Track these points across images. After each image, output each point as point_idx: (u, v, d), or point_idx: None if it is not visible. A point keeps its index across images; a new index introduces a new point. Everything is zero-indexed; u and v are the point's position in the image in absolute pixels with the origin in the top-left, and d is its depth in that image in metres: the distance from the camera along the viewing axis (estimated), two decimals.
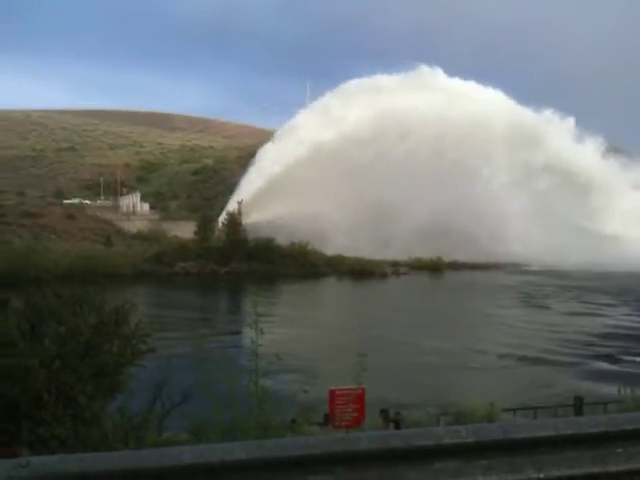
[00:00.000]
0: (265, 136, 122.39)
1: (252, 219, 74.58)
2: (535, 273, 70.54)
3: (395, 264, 71.35)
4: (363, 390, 8.99)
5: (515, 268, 74.48)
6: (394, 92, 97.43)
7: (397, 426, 11.27)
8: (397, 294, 55.34)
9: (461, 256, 74.60)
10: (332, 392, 9.20)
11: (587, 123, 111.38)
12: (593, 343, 31.98)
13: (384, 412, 11.96)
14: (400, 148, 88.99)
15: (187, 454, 3.56)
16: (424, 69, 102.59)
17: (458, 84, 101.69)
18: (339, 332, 33.45)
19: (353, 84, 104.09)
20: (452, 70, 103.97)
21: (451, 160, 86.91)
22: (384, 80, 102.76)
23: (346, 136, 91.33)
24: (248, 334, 6.81)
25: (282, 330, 29.54)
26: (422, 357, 27.57)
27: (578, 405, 14.76)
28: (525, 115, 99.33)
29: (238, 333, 30.45)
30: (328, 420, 9.18)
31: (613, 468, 3.96)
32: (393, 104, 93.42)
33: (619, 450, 3.99)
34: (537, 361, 27.89)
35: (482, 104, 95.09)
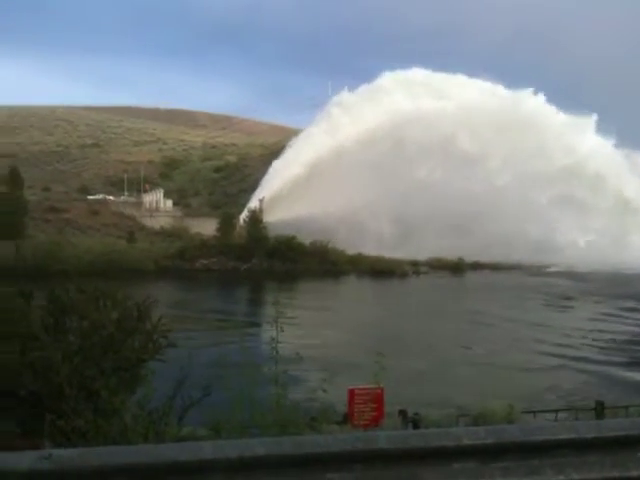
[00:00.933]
0: (287, 134, 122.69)
1: (274, 217, 74.82)
2: (558, 275, 69.84)
3: (415, 263, 71.13)
4: (382, 389, 8.99)
5: (538, 270, 73.80)
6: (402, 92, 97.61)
7: (415, 426, 11.24)
8: (421, 294, 54.97)
9: (483, 257, 74.18)
10: (351, 391, 9.20)
11: (608, 121, 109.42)
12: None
13: (403, 412, 11.92)
14: (418, 148, 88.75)
15: (206, 449, 3.58)
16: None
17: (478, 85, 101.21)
18: (366, 332, 33.31)
19: (372, 85, 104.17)
20: (473, 69, 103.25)
21: (471, 159, 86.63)
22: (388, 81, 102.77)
23: (365, 135, 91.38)
24: (268, 332, 6.84)
25: (302, 330, 29.59)
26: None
27: (599, 409, 14.59)
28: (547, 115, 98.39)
29: (258, 330, 30.54)
30: (347, 419, 9.18)
31: (634, 473, 3.91)
32: (405, 104, 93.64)
33: None
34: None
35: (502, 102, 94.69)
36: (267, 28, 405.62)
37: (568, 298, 50.86)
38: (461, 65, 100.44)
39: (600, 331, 35.12)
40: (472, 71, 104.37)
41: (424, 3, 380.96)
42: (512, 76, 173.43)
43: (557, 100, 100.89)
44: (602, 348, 30.51)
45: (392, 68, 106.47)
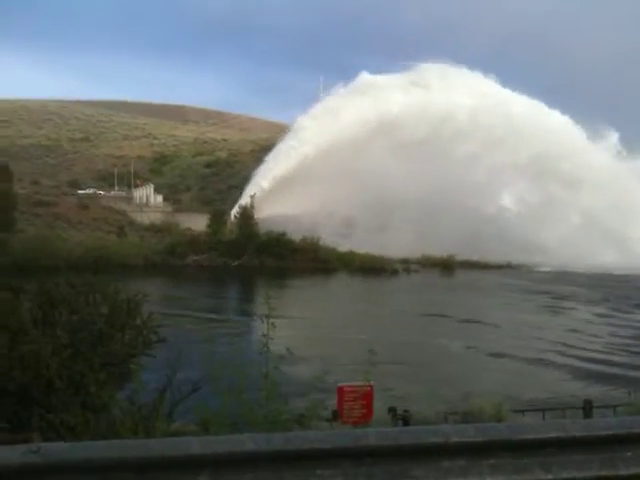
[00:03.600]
0: (279, 129, 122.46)
1: (264, 213, 74.74)
2: (548, 275, 70.18)
3: (405, 261, 71.24)
4: (372, 387, 9.02)
5: (528, 269, 74.08)
6: (397, 89, 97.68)
7: (405, 423, 11.27)
8: (411, 291, 55.06)
9: (473, 255, 74.37)
10: (340, 389, 9.23)
11: (606, 120, 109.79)
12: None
13: (392, 410, 11.96)
14: (409, 144, 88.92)
15: (195, 445, 3.57)
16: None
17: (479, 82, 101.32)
18: (351, 329, 33.36)
19: (361, 80, 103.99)
20: (469, 65, 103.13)
21: (463, 156, 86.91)
22: (384, 78, 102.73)
23: (357, 131, 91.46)
24: (259, 328, 6.84)
25: (292, 326, 29.57)
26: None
27: (587, 407, 14.70)
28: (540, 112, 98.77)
29: (248, 326, 30.54)
30: (336, 416, 9.20)
31: (623, 472, 3.94)
32: (398, 100, 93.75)
33: (628, 454, 3.97)
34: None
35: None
36: (259, 24, 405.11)
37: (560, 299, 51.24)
38: (456, 63, 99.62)
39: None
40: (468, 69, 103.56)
41: (420, 0, 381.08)
42: (506, 75, 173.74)
43: (551, 99, 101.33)
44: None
45: (386, 65, 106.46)
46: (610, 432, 3.97)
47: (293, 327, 27.68)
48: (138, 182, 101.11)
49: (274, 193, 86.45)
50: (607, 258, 74.51)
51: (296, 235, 68.54)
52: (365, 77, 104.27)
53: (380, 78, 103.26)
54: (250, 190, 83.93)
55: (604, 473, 3.92)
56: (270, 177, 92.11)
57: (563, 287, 58.35)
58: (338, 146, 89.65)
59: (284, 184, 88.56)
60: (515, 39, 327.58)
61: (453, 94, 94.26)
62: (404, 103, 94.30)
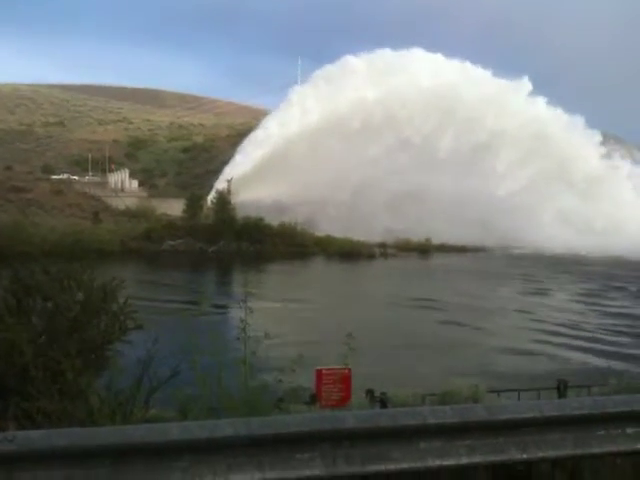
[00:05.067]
0: (256, 114, 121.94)
1: (241, 198, 74.46)
2: (524, 257, 70.94)
3: (383, 245, 71.53)
4: (349, 370, 9.07)
5: (503, 251, 74.80)
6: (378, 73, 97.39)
7: (383, 405, 11.36)
8: (389, 275, 55.38)
9: (450, 238, 74.91)
10: (319, 372, 9.27)
11: (589, 109, 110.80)
12: None
13: (370, 392, 12.04)
14: (390, 129, 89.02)
15: (174, 430, 3.56)
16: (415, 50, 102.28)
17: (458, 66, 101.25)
18: (330, 312, 33.53)
19: (340, 64, 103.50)
20: (452, 52, 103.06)
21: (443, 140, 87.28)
22: (364, 61, 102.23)
23: (336, 116, 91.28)
24: (236, 313, 6.83)
25: (270, 309, 29.60)
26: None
27: (562, 388, 14.94)
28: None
29: (226, 312, 30.45)
30: (315, 399, 9.25)
31: (596, 450, 4.01)
32: (378, 85, 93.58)
33: (601, 432, 4.04)
34: None
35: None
36: (237, 8, 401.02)
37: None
38: (442, 49, 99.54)
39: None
40: (453, 55, 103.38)
41: None
42: (494, 62, 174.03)
43: (538, 87, 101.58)
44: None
45: (369, 51, 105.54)
46: (584, 412, 4.03)
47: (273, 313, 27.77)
48: (112, 167, 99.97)
49: (251, 178, 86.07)
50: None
51: (270, 219, 68.51)
52: (328, 68, 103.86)
53: (351, 63, 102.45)
54: (227, 175, 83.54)
55: (578, 452, 3.98)
56: (248, 162, 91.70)
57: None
58: (308, 134, 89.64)
59: (260, 169, 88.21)
60: (502, 25, 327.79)
61: (412, 79, 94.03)
62: (366, 91, 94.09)
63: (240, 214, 68.92)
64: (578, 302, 42.61)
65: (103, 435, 3.58)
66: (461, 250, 74.05)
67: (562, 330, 32.68)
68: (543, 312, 37.51)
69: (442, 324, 32.83)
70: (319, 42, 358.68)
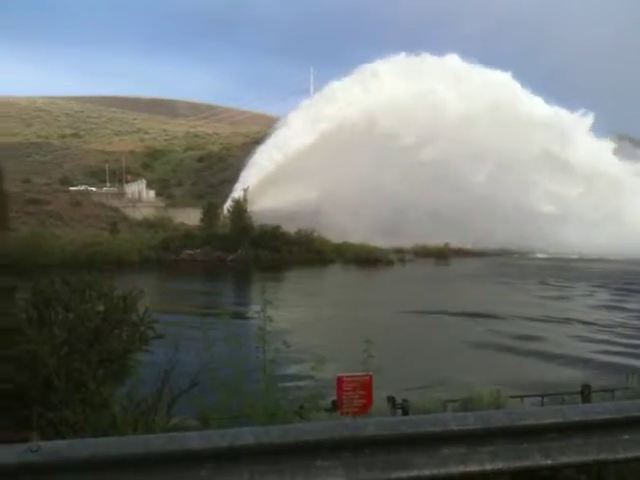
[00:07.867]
0: (269, 122, 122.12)
1: (258, 206, 74.64)
2: (542, 261, 70.40)
3: (400, 251, 71.30)
4: (371, 377, 9.05)
5: (521, 257, 74.28)
6: (394, 78, 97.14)
7: (405, 413, 11.30)
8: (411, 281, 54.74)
9: (468, 243, 74.64)
10: (340, 379, 9.25)
11: (598, 110, 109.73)
12: None
13: (391, 399, 11.97)
14: (406, 136, 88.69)
15: (195, 439, 3.58)
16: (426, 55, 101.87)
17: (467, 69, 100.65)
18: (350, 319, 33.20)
19: (356, 71, 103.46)
20: (461, 55, 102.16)
21: (456, 146, 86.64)
22: (382, 66, 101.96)
23: (351, 124, 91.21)
24: (256, 321, 6.84)
25: (290, 317, 29.54)
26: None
27: (586, 393, 14.75)
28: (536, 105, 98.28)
29: (245, 320, 30.45)
30: (335, 407, 9.22)
31: (621, 455, 3.97)
32: (395, 91, 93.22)
33: (626, 437, 4.00)
34: None
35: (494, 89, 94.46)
36: (249, 16, 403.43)
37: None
38: (450, 52, 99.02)
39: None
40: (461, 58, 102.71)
41: None
42: (499, 63, 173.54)
43: (544, 87, 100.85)
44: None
45: (378, 56, 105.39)
46: (608, 416, 4.00)
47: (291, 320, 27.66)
48: (129, 177, 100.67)
49: (266, 187, 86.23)
50: None
51: (287, 227, 68.53)
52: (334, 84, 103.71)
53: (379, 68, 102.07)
54: (242, 184, 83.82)
55: (603, 457, 3.95)
56: (262, 171, 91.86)
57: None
58: (323, 142, 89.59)
59: (275, 178, 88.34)
60: (508, 27, 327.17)
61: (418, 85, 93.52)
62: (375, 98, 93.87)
63: (256, 222, 69.09)
64: None
65: (125, 444, 3.60)
66: (480, 254, 73.69)
67: None
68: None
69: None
70: (331, 48, 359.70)
